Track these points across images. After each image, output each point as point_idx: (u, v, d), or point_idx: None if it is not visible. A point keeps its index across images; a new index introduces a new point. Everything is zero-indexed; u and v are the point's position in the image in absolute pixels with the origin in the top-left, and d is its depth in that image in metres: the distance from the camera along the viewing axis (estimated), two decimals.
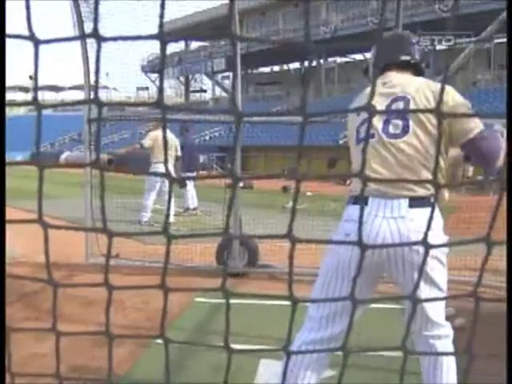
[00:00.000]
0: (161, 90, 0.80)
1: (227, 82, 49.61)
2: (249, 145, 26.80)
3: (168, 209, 0.97)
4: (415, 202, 2.74)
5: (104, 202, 0.92)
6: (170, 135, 11.54)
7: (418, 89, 2.88)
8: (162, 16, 0.74)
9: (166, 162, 0.95)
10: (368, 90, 3.06)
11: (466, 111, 2.87)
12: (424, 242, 0.91)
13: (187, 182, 12.74)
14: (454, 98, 2.84)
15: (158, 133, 10.91)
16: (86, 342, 4.40)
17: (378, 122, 2.86)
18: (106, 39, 0.80)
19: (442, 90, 0.92)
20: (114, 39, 0.81)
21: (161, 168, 10.95)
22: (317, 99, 39.20)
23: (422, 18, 34.45)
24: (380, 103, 2.87)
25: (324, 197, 13.76)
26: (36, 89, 0.83)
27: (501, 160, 2.81)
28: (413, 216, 2.72)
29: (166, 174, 0.87)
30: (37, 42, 0.78)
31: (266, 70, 54.70)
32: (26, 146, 47.18)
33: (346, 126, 3.19)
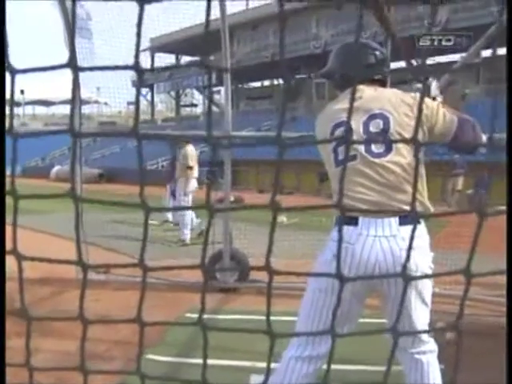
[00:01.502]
0: (136, 118, 0.79)
1: (218, 97, 49.72)
2: (239, 159, 26.80)
3: (144, 240, 0.92)
4: (405, 219, 2.75)
5: (79, 236, 0.91)
6: (194, 150, 11.38)
7: (394, 104, 2.88)
8: (138, 45, 0.73)
9: (141, 190, 0.90)
10: (336, 105, 3.05)
11: (439, 109, 2.90)
12: (405, 276, 0.91)
13: (169, 194, 12.80)
14: (426, 103, 2.85)
15: (190, 148, 11.10)
16: (76, 357, 4.37)
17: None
18: (83, 69, 0.79)
19: (419, 113, 0.93)
20: (90, 69, 0.81)
21: (194, 184, 11.11)
22: (308, 114, 39.31)
23: (411, 32, 34.70)
24: (356, 119, 2.87)
25: (315, 212, 13.75)
26: (12, 116, 0.81)
27: (481, 135, 2.93)
28: (403, 234, 2.74)
29: (142, 205, 0.85)
30: (12, 72, 0.77)
31: (257, 84, 54.82)
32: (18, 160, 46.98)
33: (317, 146, 3.17)
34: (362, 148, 2.81)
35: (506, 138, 1.01)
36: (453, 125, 2.88)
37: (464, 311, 0.90)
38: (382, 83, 3.07)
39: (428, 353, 2.96)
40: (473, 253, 0.85)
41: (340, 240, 0.97)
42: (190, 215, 10.80)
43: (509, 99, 0.94)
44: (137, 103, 0.81)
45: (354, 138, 2.83)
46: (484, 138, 2.97)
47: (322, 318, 2.86)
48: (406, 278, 0.90)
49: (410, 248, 0.95)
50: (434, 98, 3.10)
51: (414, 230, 0.93)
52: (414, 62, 3.74)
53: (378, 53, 3.13)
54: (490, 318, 5.26)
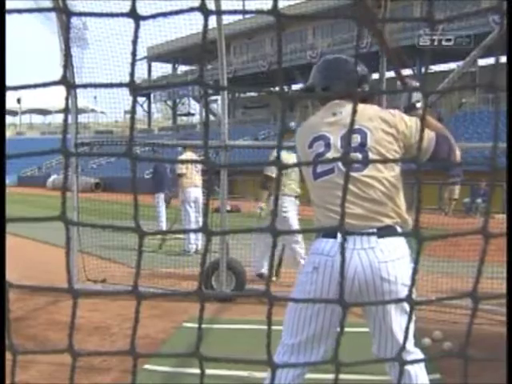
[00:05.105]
0: (131, 137, 0.78)
1: (215, 106, 49.76)
2: (236, 169, 26.81)
3: (138, 266, 0.91)
4: (383, 231, 2.80)
5: (70, 259, 0.90)
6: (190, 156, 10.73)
7: (373, 121, 2.92)
8: (133, 64, 0.73)
9: (136, 214, 0.88)
10: (317, 119, 3.08)
11: (417, 127, 2.92)
12: (408, 299, 0.91)
13: (159, 204, 12.68)
14: (404, 120, 2.93)
15: (187, 156, 10.57)
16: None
17: (335, 156, 2.88)
18: (76, 86, 0.79)
19: (422, 127, 0.93)
20: (84, 86, 0.81)
21: (193, 192, 10.90)
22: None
23: (406, 42, 34.89)
24: (334, 133, 2.92)
25: (310, 221, 13.76)
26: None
27: (456, 153, 3.00)
28: (382, 246, 2.77)
29: (136, 229, 0.84)
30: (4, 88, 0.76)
31: (253, 93, 54.91)
32: (12, 170, 47.01)
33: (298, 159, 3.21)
34: (339, 162, 2.83)
35: (506, 142, 1.01)
36: (431, 144, 2.93)
37: (463, 324, 0.89)
38: (363, 99, 3.09)
39: (415, 363, 2.96)
40: (479, 276, 0.84)
41: (343, 259, 0.96)
42: (192, 226, 10.66)
43: (509, 104, 0.94)
44: (132, 121, 0.80)
45: (332, 151, 2.89)
46: (459, 154, 3.03)
47: (305, 329, 2.88)
48: (411, 302, 0.89)
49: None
50: (414, 105, 3.13)
51: (420, 246, 0.92)
52: (406, 73, 3.74)
53: (359, 69, 3.17)
54: (486, 327, 5.25)
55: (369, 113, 2.95)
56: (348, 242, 2.75)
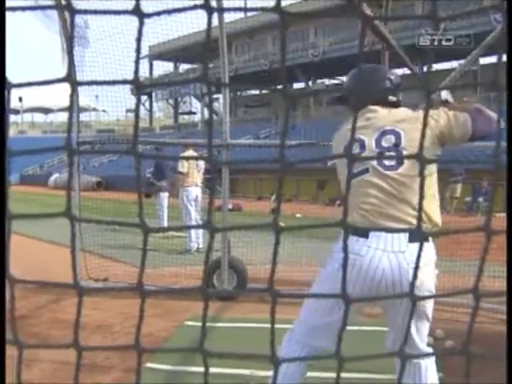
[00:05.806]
0: (135, 135, 0.78)
1: (217, 105, 49.71)
2: (238, 167, 26.81)
3: (143, 263, 0.91)
4: (414, 236, 2.79)
5: (76, 258, 0.89)
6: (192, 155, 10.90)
7: (406, 121, 2.98)
8: (137, 62, 0.72)
9: (140, 211, 0.88)
10: (349, 125, 3.12)
11: (449, 115, 2.98)
12: (412, 296, 0.91)
13: (162, 203, 12.65)
14: (433, 117, 2.96)
15: (187, 153, 10.38)
16: (73, 367, 4.35)
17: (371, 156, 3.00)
18: (80, 84, 0.78)
19: (425, 124, 0.93)
20: (88, 84, 0.81)
21: (193, 191, 10.99)
22: (306, 121, 39.36)
23: (407, 41, 34.85)
24: (367, 135, 2.98)
25: (313, 219, 13.79)
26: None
27: (492, 117, 3.00)
28: (412, 251, 2.77)
29: (141, 225, 0.84)
30: (8, 86, 0.76)
31: (255, 91, 54.86)
32: (14, 168, 47.06)
33: (335, 164, 3.27)
34: (374, 161, 2.90)
35: (507, 141, 1.01)
36: (467, 123, 2.95)
37: (464, 323, 0.89)
38: (395, 105, 3.15)
39: (426, 358, 3.01)
40: (480, 274, 0.84)
41: (346, 255, 0.96)
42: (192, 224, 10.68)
43: (509, 104, 0.94)
44: (136, 119, 0.80)
45: (367, 152, 2.96)
46: (495, 116, 3.04)
47: (323, 323, 2.92)
48: (414, 297, 0.89)
49: (416, 267, 0.95)
50: (446, 100, 3.21)
51: (420, 248, 0.93)
52: (416, 70, 3.90)
53: (392, 77, 3.27)
54: (487, 325, 5.25)
55: (401, 115, 3.04)
56: (378, 243, 2.79)
